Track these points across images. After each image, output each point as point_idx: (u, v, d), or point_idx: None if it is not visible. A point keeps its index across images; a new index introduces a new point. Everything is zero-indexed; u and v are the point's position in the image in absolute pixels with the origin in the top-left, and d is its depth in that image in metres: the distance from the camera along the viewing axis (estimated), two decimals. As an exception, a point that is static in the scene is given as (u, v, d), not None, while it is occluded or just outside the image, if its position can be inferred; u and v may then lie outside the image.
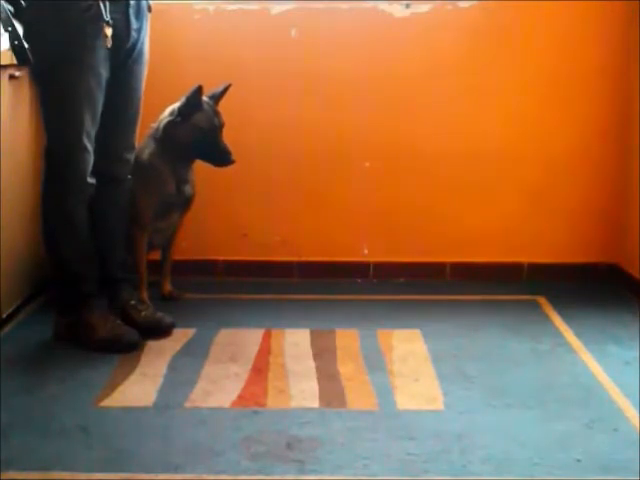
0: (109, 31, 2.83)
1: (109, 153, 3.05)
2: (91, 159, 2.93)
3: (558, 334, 3.17)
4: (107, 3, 2.82)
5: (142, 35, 2.99)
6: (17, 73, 3.16)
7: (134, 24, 2.93)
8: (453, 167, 3.75)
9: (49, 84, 2.90)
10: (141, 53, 3.02)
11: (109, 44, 2.84)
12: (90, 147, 2.91)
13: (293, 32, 3.69)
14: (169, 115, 3.28)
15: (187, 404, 2.61)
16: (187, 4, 3.67)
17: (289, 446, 2.34)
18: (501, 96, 3.72)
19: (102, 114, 2.93)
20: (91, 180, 2.95)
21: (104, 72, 2.88)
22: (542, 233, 3.79)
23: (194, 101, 3.20)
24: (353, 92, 3.72)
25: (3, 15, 2.95)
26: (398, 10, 3.67)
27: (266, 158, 3.77)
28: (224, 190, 3.78)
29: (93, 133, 2.92)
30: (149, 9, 3.03)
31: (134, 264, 3.33)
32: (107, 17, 2.82)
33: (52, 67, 2.85)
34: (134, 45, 2.97)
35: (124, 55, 2.95)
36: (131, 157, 3.16)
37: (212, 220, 3.80)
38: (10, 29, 2.97)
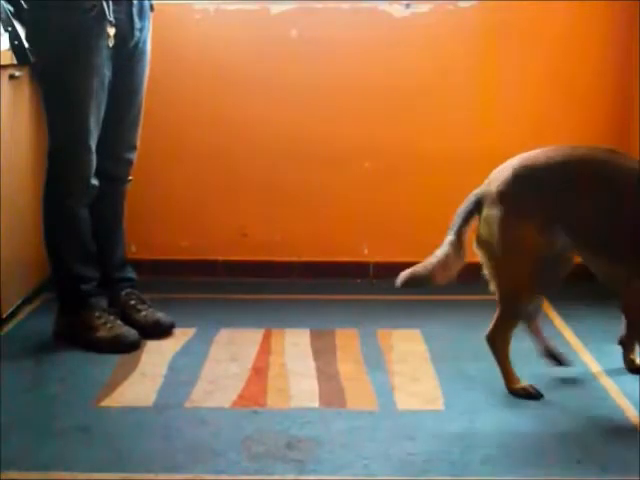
0: (112, 31, 2.83)
1: (111, 153, 3.04)
2: (94, 160, 2.92)
3: (558, 334, 3.17)
4: (110, 3, 2.82)
5: (145, 34, 2.99)
6: (17, 73, 3.16)
7: (137, 24, 2.93)
8: (453, 167, 3.75)
9: (53, 85, 2.89)
10: (143, 53, 3.01)
11: (111, 44, 2.84)
12: (94, 148, 2.91)
13: (293, 32, 3.70)
14: None
15: (187, 404, 2.61)
16: (187, 4, 3.67)
17: (289, 446, 2.34)
18: (501, 96, 3.72)
19: (105, 114, 2.93)
20: (94, 181, 2.95)
21: (107, 72, 2.88)
22: (542, 233, 3.78)
23: None
24: (353, 92, 3.72)
25: (3, 15, 2.96)
26: (398, 10, 3.67)
27: (266, 158, 3.77)
28: (224, 190, 3.78)
29: (96, 135, 2.92)
30: (151, 8, 3.03)
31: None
32: (110, 17, 2.82)
33: (56, 68, 2.85)
34: (136, 44, 2.97)
35: (127, 55, 2.95)
36: (133, 157, 3.15)
37: (212, 220, 3.80)
38: (10, 29, 2.98)
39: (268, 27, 3.69)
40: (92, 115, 2.87)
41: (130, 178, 3.18)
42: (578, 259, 2.69)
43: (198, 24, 3.69)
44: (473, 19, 3.68)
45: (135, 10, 2.92)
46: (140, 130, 3.13)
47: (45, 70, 2.91)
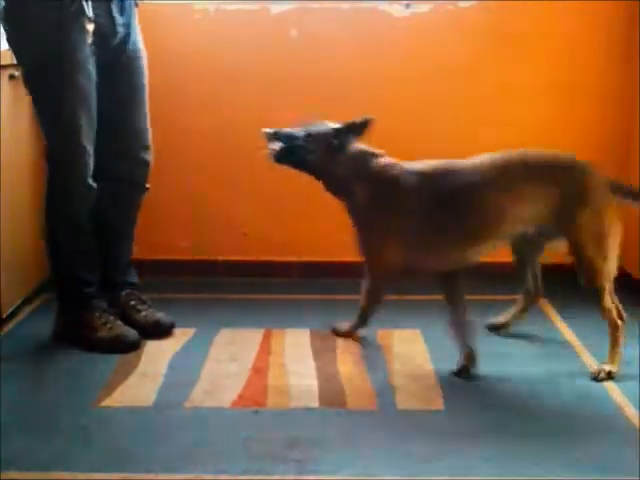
0: (91, 27, 2.81)
1: (126, 154, 3.04)
2: (91, 161, 2.90)
3: (558, 334, 3.18)
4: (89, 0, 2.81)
5: (132, 30, 2.97)
6: (17, 73, 3.16)
7: (118, 19, 2.91)
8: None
9: (40, 85, 2.87)
10: (135, 48, 2.99)
11: (90, 40, 2.81)
12: (90, 148, 2.89)
13: (293, 32, 3.70)
14: None
15: (187, 404, 2.61)
16: (187, 4, 3.67)
17: (289, 446, 2.34)
18: (501, 96, 3.72)
19: (110, 115, 2.92)
20: (92, 183, 2.94)
21: (92, 69, 2.85)
22: (542, 233, 3.78)
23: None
24: (352, 92, 3.71)
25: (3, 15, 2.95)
26: (398, 10, 3.67)
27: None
28: (224, 190, 3.78)
29: (92, 134, 2.90)
30: (135, 4, 3.01)
31: None
32: (89, 13, 2.80)
33: (40, 67, 2.83)
34: (125, 40, 2.95)
35: (116, 52, 2.93)
36: (149, 158, 3.11)
37: (212, 220, 3.80)
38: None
39: (268, 27, 3.69)
40: (82, 113, 2.84)
41: (148, 186, 3.15)
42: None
43: (198, 24, 3.69)
44: (473, 19, 3.68)
45: (114, 7, 2.89)
46: (150, 132, 3.10)
47: (30, 71, 2.87)
